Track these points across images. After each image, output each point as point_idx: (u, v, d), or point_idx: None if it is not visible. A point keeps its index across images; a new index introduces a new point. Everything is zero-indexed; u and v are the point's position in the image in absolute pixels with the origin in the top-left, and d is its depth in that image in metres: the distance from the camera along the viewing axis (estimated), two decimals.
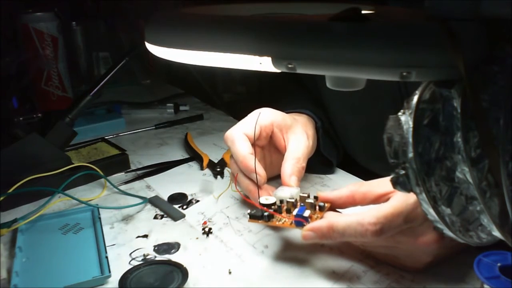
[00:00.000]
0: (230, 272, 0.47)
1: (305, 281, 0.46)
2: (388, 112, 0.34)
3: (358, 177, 0.67)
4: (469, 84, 0.28)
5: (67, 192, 0.61)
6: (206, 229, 0.54)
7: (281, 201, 0.49)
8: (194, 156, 0.75)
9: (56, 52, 0.96)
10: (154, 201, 0.61)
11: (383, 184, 0.46)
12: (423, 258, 0.44)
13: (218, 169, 0.69)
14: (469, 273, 0.45)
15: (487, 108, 0.29)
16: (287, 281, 0.46)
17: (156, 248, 0.51)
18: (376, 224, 0.41)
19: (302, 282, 0.46)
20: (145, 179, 0.69)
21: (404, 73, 0.29)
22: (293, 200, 0.48)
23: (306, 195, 0.48)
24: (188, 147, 0.78)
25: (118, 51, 1.21)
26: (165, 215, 0.58)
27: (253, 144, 0.54)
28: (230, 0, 0.48)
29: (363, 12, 0.32)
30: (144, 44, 0.42)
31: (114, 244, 0.52)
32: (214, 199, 0.62)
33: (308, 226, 0.45)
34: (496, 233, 0.31)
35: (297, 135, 0.57)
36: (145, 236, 0.54)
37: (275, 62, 0.33)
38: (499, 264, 0.34)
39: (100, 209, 0.58)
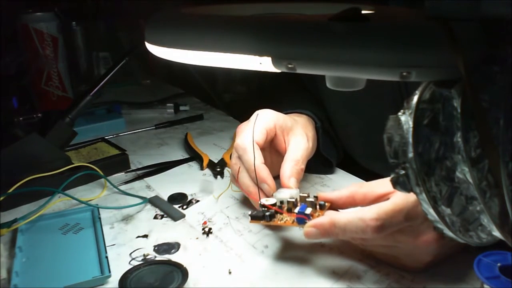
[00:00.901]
0: (230, 272, 0.47)
1: (305, 281, 0.46)
2: (388, 112, 0.34)
3: (358, 177, 0.67)
4: (469, 84, 0.28)
5: (67, 192, 0.61)
6: (206, 229, 0.54)
7: (281, 202, 0.49)
8: (194, 156, 0.75)
9: (56, 52, 0.96)
10: (154, 201, 0.61)
11: (383, 185, 0.46)
12: (423, 257, 0.44)
13: (218, 169, 0.69)
14: (469, 273, 0.45)
15: (487, 108, 0.29)
16: (287, 281, 0.46)
17: (156, 248, 0.51)
18: (377, 220, 0.41)
19: (302, 282, 0.46)
20: (145, 179, 0.69)
21: (404, 73, 0.29)
22: (293, 200, 0.48)
23: (306, 194, 0.49)
24: (188, 147, 0.78)
25: (118, 51, 1.21)
26: (165, 215, 0.58)
27: (262, 148, 0.55)
28: (230, 0, 0.48)
29: (363, 12, 0.32)
30: (144, 44, 0.42)
31: (114, 244, 0.52)
32: (214, 199, 0.62)
33: (310, 222, 0.45)
34: (496, 233, 0.31)
35: (297, 137, 0.58)
36: (145, 236, 0.54)
37: (275, 62, 0.33)
38: (499, 264, 0.34)
39: (100, 209, 0.58)
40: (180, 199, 0.62)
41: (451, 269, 0.46)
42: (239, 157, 0.55)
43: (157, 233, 0.54)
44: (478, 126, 0.29)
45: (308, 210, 0.46)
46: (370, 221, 0.41)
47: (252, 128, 0.55)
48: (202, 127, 0.91)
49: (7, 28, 0.95)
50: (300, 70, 0.32)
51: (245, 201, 0.61)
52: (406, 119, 0.32)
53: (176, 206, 0.60)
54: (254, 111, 0.59)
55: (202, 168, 0.71)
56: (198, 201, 0.62)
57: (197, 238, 0.53)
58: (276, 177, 0.53)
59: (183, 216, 0.58)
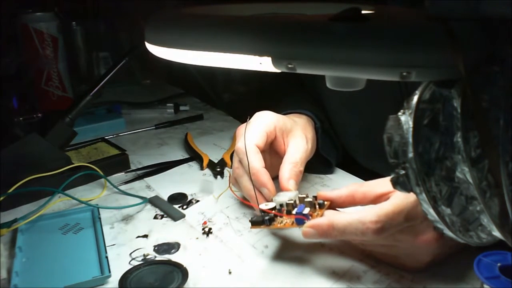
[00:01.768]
0: (230, 272, 0.47)
1: (305, 281, 0.46)
2: (388, 112, 0.34)
3: (358, 176, 0.67)
4: (469, 84, 0.28)
5: (67, 192, 0.61)
6: (206, 229, 0.54)
7: (281, 205, 0.49)
8: (194, 156, 0.75)
9: (56, 52, 0.96)
10: (154, 201, 0.61)
11: (383, 184, 0.46)
12: (423, 257, 0.44)
13: (218, 169, 0.69)
14: (469, 273, 0.45)
15: (487, 108, 0.29)
16: (287, 281, 0.46)
17: (156, 248, 0.51)
18: (377, 222, 0.41)
19: (302, 282, 0.46)
20: (145, 179, 0.69)
21: (404, 73, 0.29)
22: (292, 202, 0.48)
23: (304, 195, 0.49)
24: (188, 147, 0.78)
25: (118, 51, 1.21)
26: (165, 215, 0.58)
27: (262, 151, 0.55)
28: (230, 0, 0.48)
29: (363, 12, 0.32)
30: (144, 44, 0.42)
31: (114, 244, 0.52)
32: (214, 199, 0.62)
33: (309, 223, 0.45)
34: (496, 233, 0.31)
35: (297, 138, 0.58)
36: (145, 236, 0.54)
37: (275, 62, 0.33)
38: (499, 264, 0.34)
39: (100, 209, 0.58)
40: (180, 199, 0.62)
41: (451, 269, 0.46)
42: (240, 161, 0.55)
43: (157, 233, 0.54)
44: (478, 126, 0.29)
45: (306, 210, 0.46)
46: (370, 224, 0.41)
47: (251, 131, 0.55)
48: (202, 127, 0.91)
49: (7, 28, 0.95)
50: (300, 70, 0.32)
51: (245, 201, 0.61)
52: (406, 119, 0.32)
53: (176, 206, 0.60)
54: (254, 111, 0.59)
55: (202, 168, 0.71)
56: (198, 201, 0.62)
57: (197, 238, 0.53)
58: (275, 178, 0.53)
59: (183, 216, 0.58)
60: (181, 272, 0.46)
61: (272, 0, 0.48)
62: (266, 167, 0.53)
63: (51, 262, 0.49)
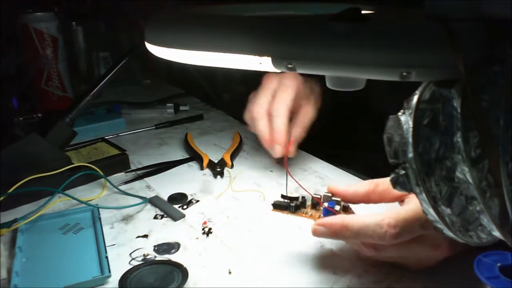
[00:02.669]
0: (230, 272, 0.47)
1: (305, 281, 0.46)
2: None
3: (358, 177, 0.67)
4: (469, 84, 0.28)
5: (67, 192, 0.61)
6: (206, 229, 0.54)
7: (303, 197, 0.49)
8: (194, 156, 0.75)
9: (56, 52, 0.96)
10: (154, 201, 0.61)
11: None
12: (429, 262, 0.44)
13: (218, 169, 0.69)
14: (469, 273, 0.44)
15: (487, 108, 0.29)
16: (287, 281, 0.46)
17: (156, 248, 0.51)
18: (395, 226, 0.40)
19: (302, 282, 0.46)
20: (145, 179, 0.69)
21: (404, 73, 0.29)
22: (319, 196, 0.48)
23: (330, 194, 0.48)
24: (188, 147, 0.78)
25: (118, 51, 1.21)
26: (165, 215, 0.58)
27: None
28: (230, 0, 0.48)
29: (363, 12, 0.32)
30: (144, 44, 0.42)
31: (114, 244, 0.52)
32: (214, 199, 0.62)
33: (319, 220, 0.44)
34: (496, 233, 0.31)
35: (308, 107, 0.66)
36: (145, 236, 0.54)
37: (275, 62, 0.33)
38: (499, 264, 0.34)
39: (100, 209, 0.58)
40: (180, 199, 0.62)
41: (451, 269, 0.45)
42: (270, 119, 0.62)
43: (157, 233, 0.54)
44: (478, 126, 0.29)
45: (337, 207, 0.46)
46: (388, 227, 0.40)
47: (288, 92, 0.63)
48: (202, 127, 0.91)
49: (7, 28, 0.95)
50: (300, 70, 0.32)
51: (245, 201, 0.61)
52: (406, 119, 0.32)
53: (176, 206, 0.60)
54: None
55: (202, 168, 0.71)
56: (198, 201, 0.62)
57: (197, 238, 0.53)
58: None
59: (183, 216, 0.58)
60: (181, 272, 0.46)
61: (273, 0, 0.48)
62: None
63: (51, 262, 0.49)
